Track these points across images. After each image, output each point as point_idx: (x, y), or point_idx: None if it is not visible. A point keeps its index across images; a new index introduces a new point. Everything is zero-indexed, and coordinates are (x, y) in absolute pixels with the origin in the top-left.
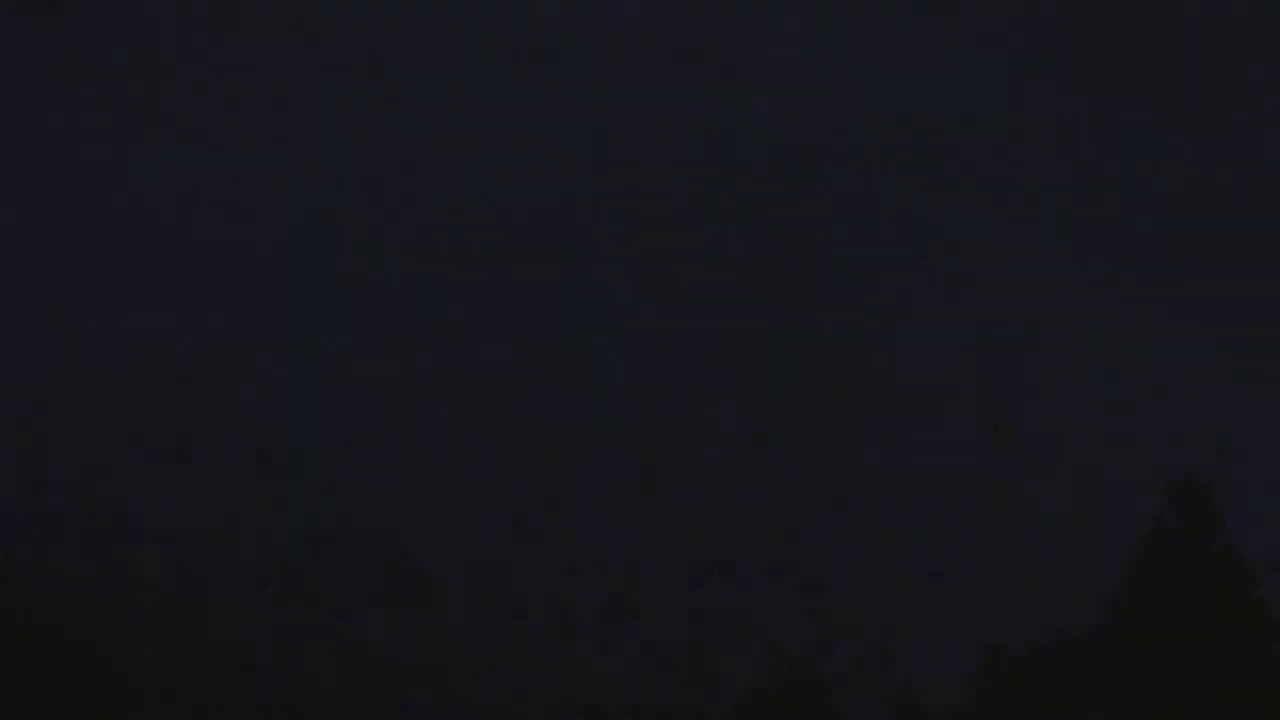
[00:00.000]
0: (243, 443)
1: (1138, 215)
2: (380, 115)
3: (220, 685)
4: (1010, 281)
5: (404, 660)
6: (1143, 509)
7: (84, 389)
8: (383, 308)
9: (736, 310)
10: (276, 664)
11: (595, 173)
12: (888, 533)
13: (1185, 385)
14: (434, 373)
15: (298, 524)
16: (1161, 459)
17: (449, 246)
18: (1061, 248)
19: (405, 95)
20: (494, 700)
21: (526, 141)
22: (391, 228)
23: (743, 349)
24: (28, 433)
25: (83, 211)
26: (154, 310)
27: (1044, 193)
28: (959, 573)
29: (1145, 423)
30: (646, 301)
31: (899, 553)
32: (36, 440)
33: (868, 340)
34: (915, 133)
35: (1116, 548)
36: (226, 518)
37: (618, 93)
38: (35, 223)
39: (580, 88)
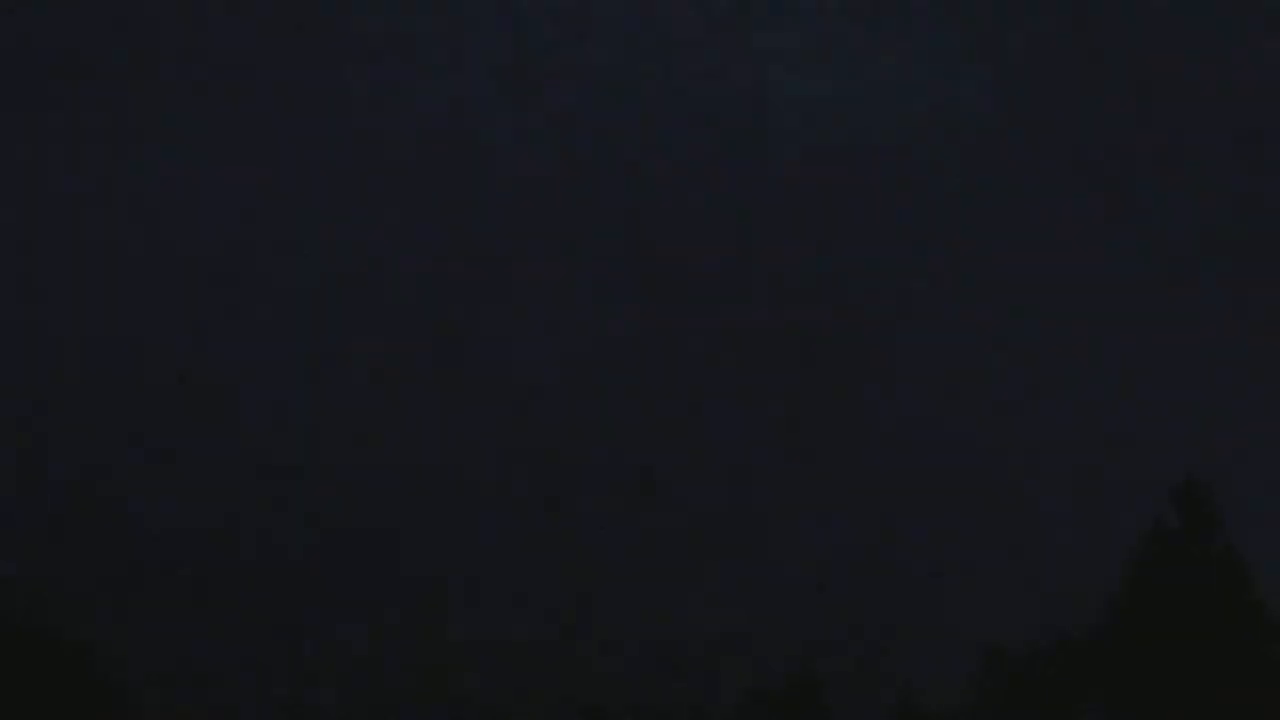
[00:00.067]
0: (243, 443)
1: (1138, 218)
2: (380, 115)
3: (220, 685)
4: (1011, 282)
5: (404, 660)
6: (1143, 509)
7: (84, 389)
8: (382, 308)
9: (737, 310)
10: (276, 664)
11: (597, 173)
12: (888, 532)
13: (1185, 385)
14: (434, 372)
15: (298, 524)
16: (1161, 459)
17: (450, 246)
18: (1063, 250)
19: (405, 95)
20: (494, 700)
21: (528, 141)
22: (391, 227)
23: (743, 349)
24: (28, 433)
25: (82, 211)
26: (154, 310)
27: (1045, 195)
28: (959, 573)
29: (1145, 423)
30: (647, 301)
31: (899, 553)
32: (36, 440)
33: (869, 341)
34: (918, 134)
35: (1116, 548)
36: (226, 518)
37: (619, 93)
38: (35, 223)
39: (582, 83)
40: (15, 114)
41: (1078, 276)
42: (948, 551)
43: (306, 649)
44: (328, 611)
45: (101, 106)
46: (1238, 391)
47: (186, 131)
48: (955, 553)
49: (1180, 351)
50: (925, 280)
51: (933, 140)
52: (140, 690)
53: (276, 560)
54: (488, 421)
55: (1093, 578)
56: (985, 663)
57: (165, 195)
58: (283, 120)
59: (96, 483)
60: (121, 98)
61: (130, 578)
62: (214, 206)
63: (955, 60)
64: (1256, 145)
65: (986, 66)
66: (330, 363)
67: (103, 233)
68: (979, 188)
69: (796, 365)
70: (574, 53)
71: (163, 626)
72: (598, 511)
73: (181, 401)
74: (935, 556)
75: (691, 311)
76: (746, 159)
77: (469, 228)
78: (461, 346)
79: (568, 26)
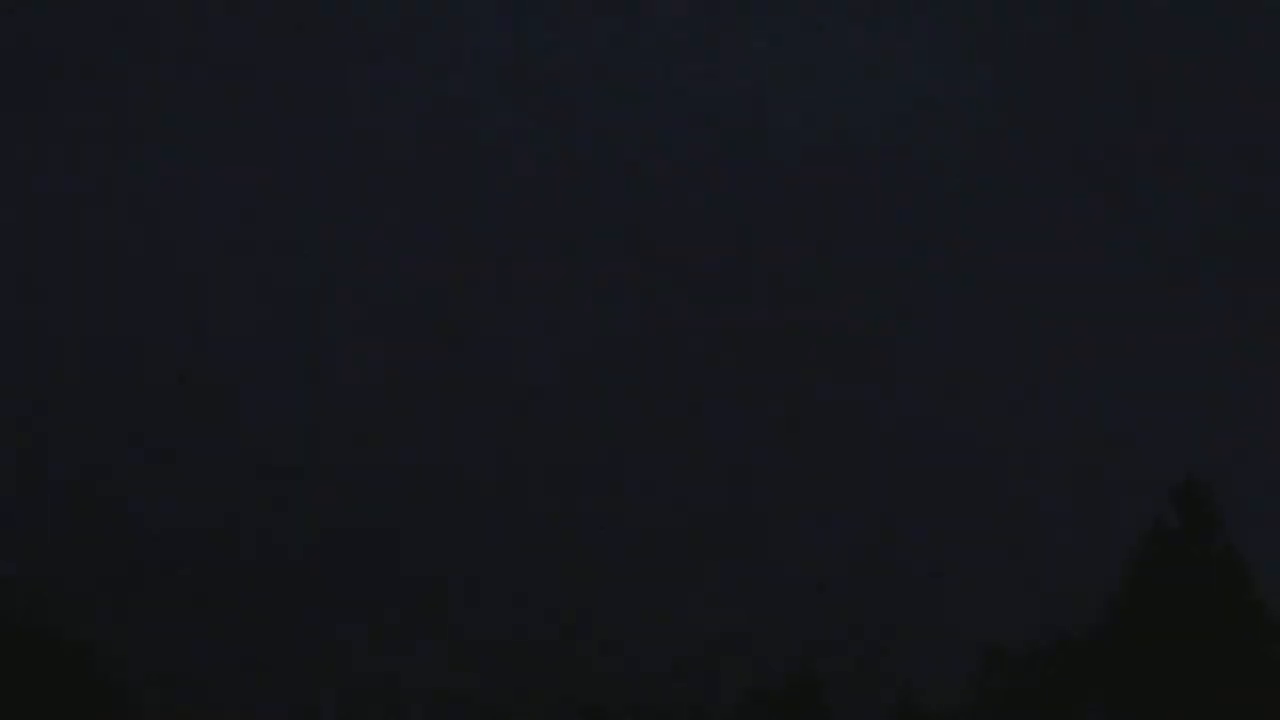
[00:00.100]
0: (243, 443)
1: (1138, 218)
2: (380, 114)
3: (220, 685)
4: (1012, 282)
5: (403, 661)
6: (1143, 509)
7: (84, 389)
8: (382, 308)
9: (737, 309)
10: (276, 664)
11: (597, 173)
12: (888, 532)
13: (1185, 385)
14: (434, 373)
15: (298, 524)
16: (1161, 459)
17: (449, 246)
18: (1063, 250)
19: (405, 95)
20: (494, 700)
21: (529, 140)
22: (390, 228)
23: (743, 348)
24: (28, 433)
25: (82, 211)
26: (154, 310)
27: (1045, 195)
28: (959, 573)
29: (1145, 423)
30: (647, 301)
31: (899, 553)
32: (36, 440)
33: (869, 341)
34: (918, 134)
35: (1116, 548)
36: (226, 518)
37: (619, 94)
38: (35, 223)
39: (582, 83)
40: (15, 114)
41: (1078, 276)
42: (948, 551)
43: (306, 649)
44: (328, 611)
45: (101, 106)
46: (1238, 391)
47: (186, 131)
48: (955, 553)
49: (1180, 351)
50: (925, 280)
51: (933, 140)
52: (140, 690)
53: (276, 560)
54: (488, 421)
55: (1093, 578)
56: (985, 663)
57: (165, 195)
58: (283, 120)
59: (96, 483)
60: (121, 98)
61: (130, 578)
62: (214, 206)
63: (955, 60)
64: (1256, 145)
65: (987, 66)
66: (330, 363)
67: (103, 233)
68: (979, 188)
69: (796, 365)
70: (574, 53)
71: (163, 626)
72: (598, 511)
73: (181, 401)
74: (935, 556)
75: (691, 311)
76: (746, 159)
77: (469, 228)
78: (462, 346)
79: (568, 27)
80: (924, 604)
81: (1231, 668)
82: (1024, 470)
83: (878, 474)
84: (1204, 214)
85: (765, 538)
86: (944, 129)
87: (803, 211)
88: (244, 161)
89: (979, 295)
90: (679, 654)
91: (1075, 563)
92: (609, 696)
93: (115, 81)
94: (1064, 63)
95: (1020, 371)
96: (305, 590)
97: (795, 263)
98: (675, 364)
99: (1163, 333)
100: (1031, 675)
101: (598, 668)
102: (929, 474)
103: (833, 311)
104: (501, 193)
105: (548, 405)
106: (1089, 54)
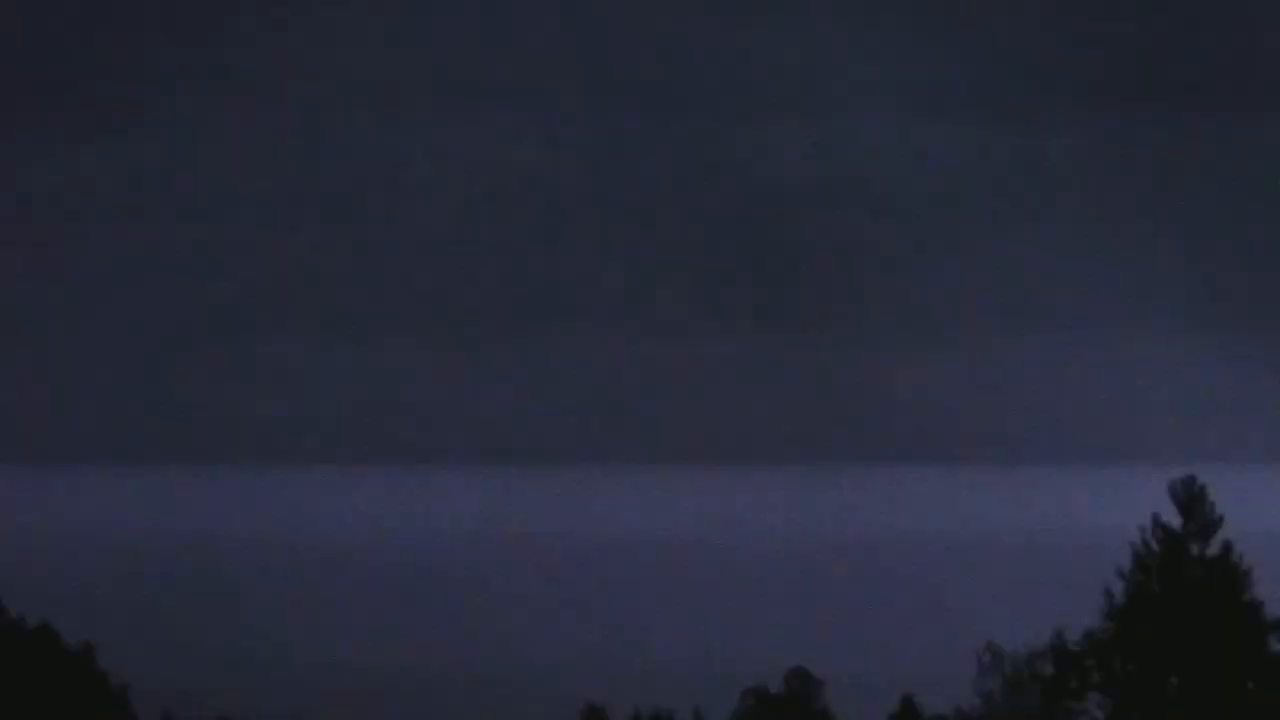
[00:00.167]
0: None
1: (1139, 217)
2: (381, 118)
3: (220, 686)
4: (1011, 282)
5: (404, 661)
6: (1143, 509)
7: None
8: (382, 307)
9: (745, 305)
10: (277, 664)
11: (598, 173)
12: (888, 532)
13: (1185, 385)
14: (434, 372)
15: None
16: (1161, 459)
17: (450, 246)
18: (1063, 250)
19: (405, 98)
20: (494, 700)
21: (532, 143)
22: (391, 227)
23: (748, 358)
24: None
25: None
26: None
27: (1046, 194)
28: (959, 573)
29: (1145, 423)
30: (653, 311)
31: (899, 552)
32: None
33: (869, 339)
34: (918, 133)
35: (1116, 548)
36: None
37: (623, 99)
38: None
39: (583, 84)
40: (15, 114)
41: (1080, 277)
42: (948, 551)
43: (306, 649)
44: (328, 611)
45: (101, 106)
46: (1238, 391)
47: (186, 131)
48: (955, 552)
49: (1181, 351)
50: (926, 279)
51: (933, 139)
52: (140, 690)
53: (277, 563)
54: (489, 421)
55: (1093, 578)
56: (985, 663)
57: (165, 195)
58: (282, 120)
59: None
60: (121, 97)
61: (130, 578)
62: (213, 206)
63: (955, 60)
64: (1257, 145)
65: (983, 67)
66: (331, 363)
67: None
68: (978, 192)
69: (800, 372)
70: (574, 53)
71: (163, 627)
72: (598, 512)
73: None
74: (935, 557)
75: (695, 308)
76: (746, 160)
77: (471, 228)
78: (463, 347)
79: (568, 27)
80: (924, 604)
81: (1231, 668)
82: (1024, 469)
83: (878, 474)
84: (1203, 213)
85: (764, 536)
86: (944, 128)
87: (803, 213)
88: (243, 161)
89: (981, 295)
90: (679, 654)
91: (1075, 562)
92: (609, 696)
93: (115, 81)
94: (1064, 62)
95: (1020, 371)
96: (307, 590)
97: (796, 267)
98: (682, 370)
99: (1163, 332)
100: (1031, 675)
101: (598, 668)
102: (929, 470)
103: (834, 305)
104: (501, 192)
105: (550, 407)
106: (1089, 54)
